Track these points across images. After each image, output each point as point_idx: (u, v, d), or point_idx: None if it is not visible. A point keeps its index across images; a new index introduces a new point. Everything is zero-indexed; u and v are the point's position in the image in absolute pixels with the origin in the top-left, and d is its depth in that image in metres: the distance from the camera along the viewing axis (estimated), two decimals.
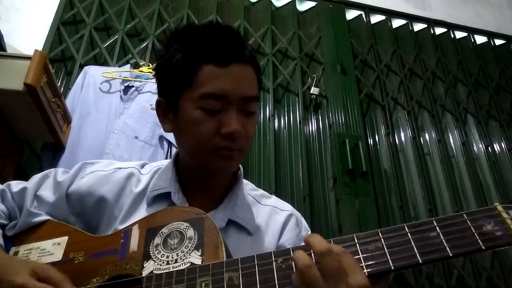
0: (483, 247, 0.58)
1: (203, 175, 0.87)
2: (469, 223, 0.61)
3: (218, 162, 0.81)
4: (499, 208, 0.62)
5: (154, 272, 0.69)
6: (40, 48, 2.17)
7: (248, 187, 0.97)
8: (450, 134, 2.89)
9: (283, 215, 0.93)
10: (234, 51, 0.79)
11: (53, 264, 0.78)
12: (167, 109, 0.84)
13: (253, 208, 0.92)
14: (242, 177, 0.94)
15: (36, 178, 0.91)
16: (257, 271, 0.63)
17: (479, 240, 0.59)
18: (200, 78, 0.77)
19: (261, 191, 1.00)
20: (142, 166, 0.95)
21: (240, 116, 0.79)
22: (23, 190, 0.88)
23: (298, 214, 0.97)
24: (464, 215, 0.62)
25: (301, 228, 0.94)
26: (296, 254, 0.60)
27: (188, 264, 0.68)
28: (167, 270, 0.68)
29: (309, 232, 0.95)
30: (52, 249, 0.80)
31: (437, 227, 0.61)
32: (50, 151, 1.97)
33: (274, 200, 0.98)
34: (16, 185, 0.89)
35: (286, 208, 0.96)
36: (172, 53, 0.81)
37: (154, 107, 0.90)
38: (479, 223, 0.61)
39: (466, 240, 0.60)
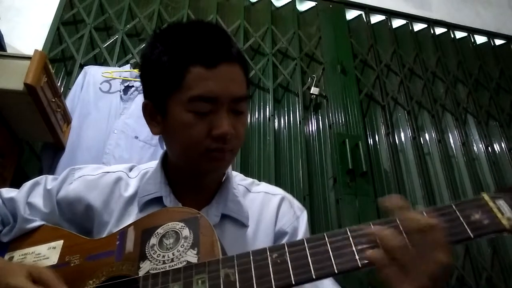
0: (472, 236, 0.60)
1: (194, 177, 0.86)
2: (458, 213, 0.63)
3: (210, 164, 0.80)
4: (486, 198, 0.64)
5: (151, 272, 0.69)
6: (40, 48, 2.18)
7: (237, 178, 0.97)
8: (450, 134, 2.89)
9: (275, 200, 0.93)
10: (222, 51, 0.78)
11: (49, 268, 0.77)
12: (155, 112, 0.83)
13: (245, 197, 0.92)
14: (231, 171, 0.94)
15: (26, 185, 0.90)
16: (252, 266, 0.63)
17: (467, 229, 0.61)
18: (188, 81, 0.76)
19: (250, 180, 0.99)
20: (130, 169, 0.94)
21: (230, 117, 0.78)
22: (14, 197, 0.87)
23: (289, 196, 0.97)
24: (453, 205, 0.64)
25: (295, 208, 0.94)
26: (385, 233, 0.59)
27: (185, 263, 0.68)
28: (164, 270, 0.68)
29: (304, 211, 0.95)
30: (47, 253, 0.80)
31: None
32: (50, 151, 1.97)
33: (264, 186, 0.98)
34: (6, 192, 0.89)
35: (277, 192, 0.96)
36: (158, 55, 0.79)
37: None
38: (467, 212, 0.62)
39: (455, 229, 0.61)
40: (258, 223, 0.89)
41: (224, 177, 0.92)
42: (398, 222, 0.62)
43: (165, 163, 0.91)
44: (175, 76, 0.77)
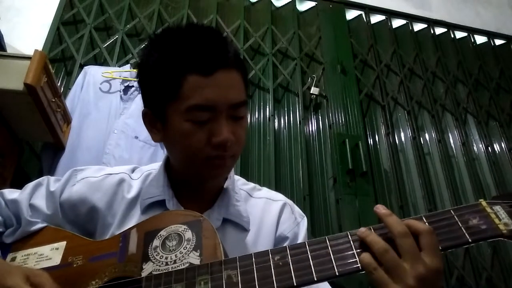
0: (470, 240, 0.62)
1: (196, 182, 0.87)
2: (456, 218, 0.65)
3: (211, 171, 0.81)
4: (484, 203, 0.66)
5: (153, 273, 0.69)
6: (40, 48, 2.17)
7: (239, 183, 0.97)
8: (450, 134, 2.90)
9: (277, 206, 0.94)
10: (218, 57, 0.76)
11: (52, 268, 0.77)
12: (154, 120, 0.83)
13: (246, 202, 0.93)
14: (233, 174, 0.94)
15: (29, 187, 0.90)
16: (255, 268, 0.63)
17: (466, 234, 0.63)
18: (185, 90, 0.75)
19: (252, 185, 1.00)
20: (133, 170, 0.95)
21: (229, 123, 0.77)
22: (17, 199, 0.87)
23: (291, 202, 0.98)
24: (452, 211, 0.66)
25: (296, 215, 0.95)
26: (371, 237, 0.62)
27: (187, 265, 0.68)
28: (166, 271, 0.68)
29: (305, 218, 0.96)
30: (50, 254, 0.80)
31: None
32: (50, 151, 1.97)
33: (266, 191, 0.99)
34: (9, 194, 0.89)
35: (278, 198, 0.97)
36: (154, 63, 0.79)
37: None
38: (465, 218, 0.64)
39: (454, 234, 0.63)
40: (259, 228, 0.89)
41: (226, 181, 0.92)
42: (381, 229, 0.65)
43: (168, 166, 0.92)
44: (172, 85, 0.76)
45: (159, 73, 0.78)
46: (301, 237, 0.91)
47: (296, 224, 0.93)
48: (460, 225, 0.64)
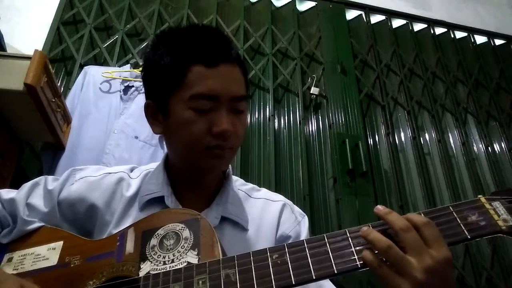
0: (469, 237, 0.62)
1: (194, 175, 0.87)
2: (455, 214, 0.64)
3: (210, 161, 0.82)
4: (483, 199, 0.66)
5: (151, 272, 0.69)
6: (40, 48, 2.17)
7: (238, 183, 0.98)
8: (450, 134, 2.89)
9: (276, 206, 0.94)
10: (222, 51, 0.80)
11: (49, 268, 0.77)
12: (157, 111, 0.85)
13: (245, 202, 0.93)
14: (232, 174, 0.95)
15: (26, 186, 0.90)
16: (253, 267, 0.63)
17: (464, 230, 0.62)
18: (189, 79, 0.78)
19: (251, 185, 1.01)
20: (131, 170, 0.96)
21: (230, 115, 0.80)
22: (14, 198, 0.87)
23: (290, 202, 0.98)
24: (450, 207, 0.65)
25: (296, 214, 0.95)
26: (372, 235, 0.62)
27: (185, 264, 0.68)
28: (164, 270, 0.68)
29: (305, 217, 0.96)
30: (47, 254, 0.80)
31: None
32: (50, 151, 1.97)
33: (264, 192, 0.99)
34: (6, 193, 0.89)
35: (278, 198, 0.97)
36: (160, 56, 0.82)
37: None
38: (464, 214, 0.64)
39: (453, 231, 0.63)
40: (258, 228, 0.89)
41: (224, 180, 0.92)
42: (381, 226, 0.64)
43: (167, 164, 0.92)
44: (177, 75, 0.79)
45: (165, 64, 0.81)
46: (304, 236, 0.91)
47: (297, 223, 0.93)
48: (459, 221, 0.63)
